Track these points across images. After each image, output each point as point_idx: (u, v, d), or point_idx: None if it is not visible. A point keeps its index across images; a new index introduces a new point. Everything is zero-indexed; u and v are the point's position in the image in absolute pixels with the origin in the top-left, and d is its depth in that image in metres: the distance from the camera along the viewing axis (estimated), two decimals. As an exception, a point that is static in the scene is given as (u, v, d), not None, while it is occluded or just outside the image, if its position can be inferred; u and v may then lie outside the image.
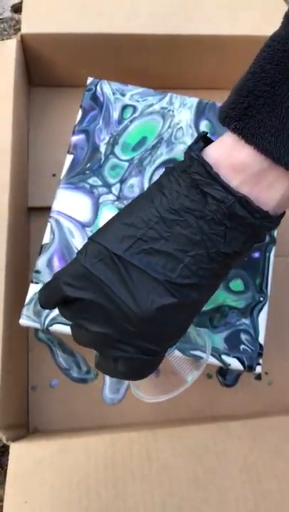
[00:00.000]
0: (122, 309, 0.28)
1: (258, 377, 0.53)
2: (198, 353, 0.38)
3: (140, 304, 0.27)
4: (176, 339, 0.31)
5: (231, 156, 0.27)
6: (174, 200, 0.28)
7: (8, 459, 0.41)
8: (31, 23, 0.57)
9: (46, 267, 0.43)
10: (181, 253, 0.28)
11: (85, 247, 0.30)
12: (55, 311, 0.42)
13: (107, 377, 0.52)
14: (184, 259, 0.28)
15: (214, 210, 0.27)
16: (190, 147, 0.29)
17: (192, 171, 0.28)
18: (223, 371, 0.53)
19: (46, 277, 0.43)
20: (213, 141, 0.30)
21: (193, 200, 0.28)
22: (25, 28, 0.57)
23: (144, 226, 0.28)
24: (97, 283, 0.28)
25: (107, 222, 0.30)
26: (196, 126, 0.50)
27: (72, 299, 0.29)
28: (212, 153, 0.28)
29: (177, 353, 0.38)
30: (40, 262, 0.43)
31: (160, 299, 0.27)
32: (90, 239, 0.30)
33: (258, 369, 0.42)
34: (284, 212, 0.30)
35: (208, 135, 0.30)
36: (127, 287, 0.28)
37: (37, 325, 0.42)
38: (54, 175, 0.59)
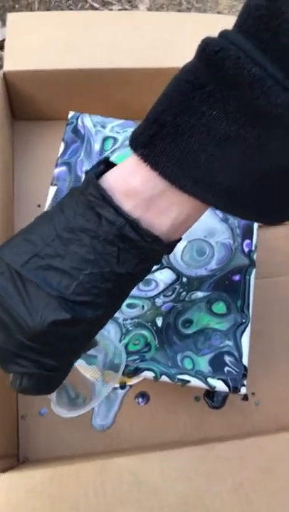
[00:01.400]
0: (18, 322, 0.28)
1: (245, 397, 0.54)
2: (112, 370, 0.40)
3: (34, 318, 0.28)
4: (74, 355, 0.31)
5: (125, 181, 0.28)
6: (71, 219, 0.29)
7: (-2, 490, 0.41)
8: (13, 60, 0.59)
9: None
10: (75, 271, 0.28)
11: None
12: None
13: (96, 404, 0.52)
14: (78, 277, 0.28)
15: (107, 231, 0.28)
16: (87, 171, 0.30)
17: (88, 192, 0.29)
18: (211, 393, 0.53)
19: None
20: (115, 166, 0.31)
21: (88, 220, 0.28)
22: (8, 66, 0.59)
23: (41, 243, 0.29)
24: None
25: (12, 237, 0.31)
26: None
27: None
28: (109, 177, 0.29)
29: (87, 367, 0.40)
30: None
31: (53, 313, 0.28)
32: None
33: (243, 390, 0.43)
34: (180, 239, 0.31)
35: (110, 160, 0.31)
36: (23, 301, 0.28)
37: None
38: (39, 205, 0.60)
